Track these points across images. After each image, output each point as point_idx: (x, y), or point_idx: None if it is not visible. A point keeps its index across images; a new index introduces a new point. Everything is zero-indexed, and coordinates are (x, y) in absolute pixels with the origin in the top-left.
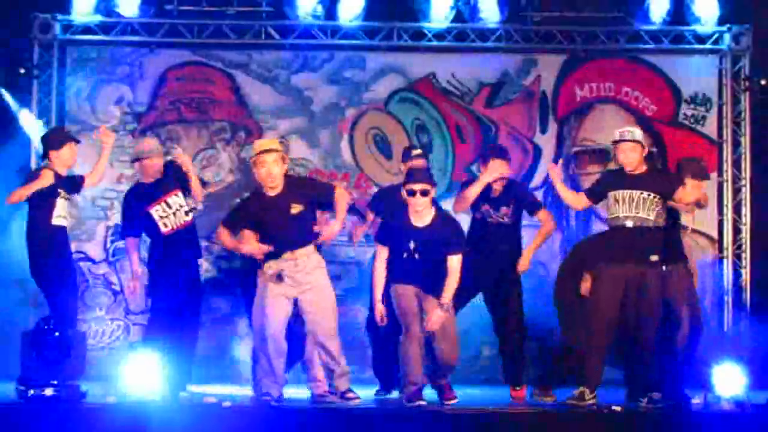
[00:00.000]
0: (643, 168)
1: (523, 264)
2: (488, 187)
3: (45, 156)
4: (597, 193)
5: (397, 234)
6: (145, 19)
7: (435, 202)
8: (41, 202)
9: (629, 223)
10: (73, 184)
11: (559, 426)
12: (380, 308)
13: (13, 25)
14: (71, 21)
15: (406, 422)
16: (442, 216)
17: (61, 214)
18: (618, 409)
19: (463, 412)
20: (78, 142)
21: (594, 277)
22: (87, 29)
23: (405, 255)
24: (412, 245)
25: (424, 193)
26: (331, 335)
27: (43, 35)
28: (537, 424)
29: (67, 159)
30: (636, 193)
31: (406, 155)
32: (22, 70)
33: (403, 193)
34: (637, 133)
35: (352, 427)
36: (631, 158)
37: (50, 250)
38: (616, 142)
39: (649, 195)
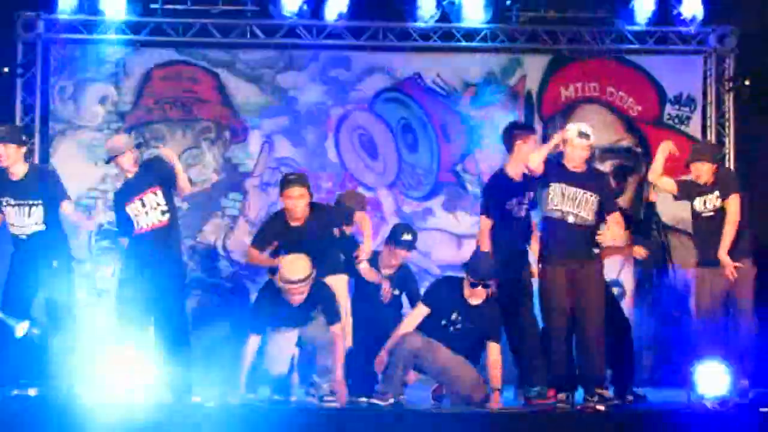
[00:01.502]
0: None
1: None
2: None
3: None
4: None
5: (446, 300)
6: (130, 17)
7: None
8: None
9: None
10: None
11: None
12: (383, 358)
13: None
14: (55, 19)
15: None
16: (490, 302)
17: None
18: (601, 408)
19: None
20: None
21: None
22: (71, 28)
23: (444, 323)
24: (454, 316)
25: (486, 286)
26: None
27: (26, 33)
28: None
29: None
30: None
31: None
32: (6, 69)
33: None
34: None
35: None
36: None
37: None
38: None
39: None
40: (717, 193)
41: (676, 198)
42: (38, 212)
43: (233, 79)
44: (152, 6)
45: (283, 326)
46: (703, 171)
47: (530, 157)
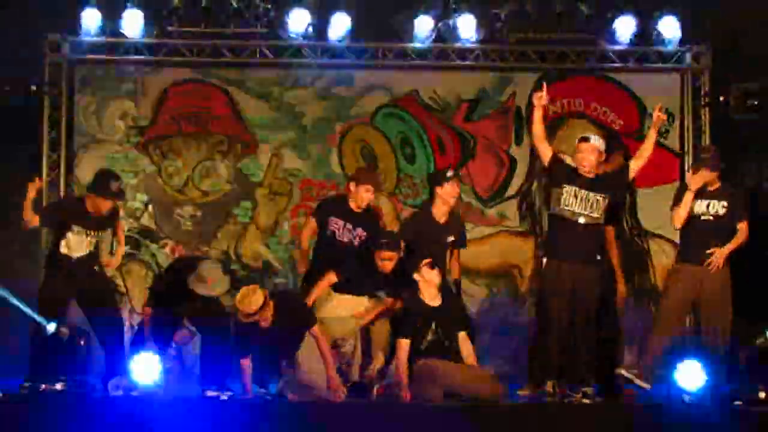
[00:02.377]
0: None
1: None
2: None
3: None
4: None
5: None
6: (148, 39)
7: None
8: None
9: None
10: None
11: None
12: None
13: (25, 44)
14: (79, 41)
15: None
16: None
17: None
18: (587, 401)
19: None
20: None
21: None
22: (94, 49)
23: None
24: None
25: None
26: None
27: (53, 54)
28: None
29: None
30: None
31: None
32: (34, 87)
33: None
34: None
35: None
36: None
37: None
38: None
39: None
40: (725, 203)
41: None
42: None
43: (244, 96)
44: (169, 28)
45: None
46: (710, 178)
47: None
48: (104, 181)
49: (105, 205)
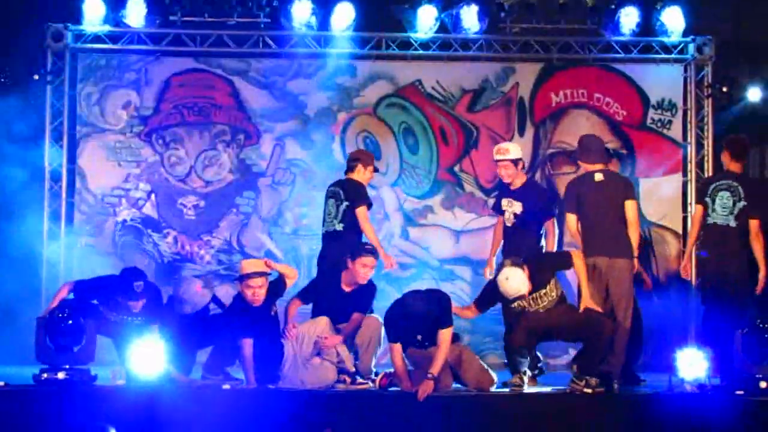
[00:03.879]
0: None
1: None
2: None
3: None
4: None
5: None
6: (151, 29)
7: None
8: None
9: None
10: None
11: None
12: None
13: (29, 34)
14: (82, 30)
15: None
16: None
17: None
18: (589, 391)
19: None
20: None
21: None
22: (97, 38)
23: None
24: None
25: None
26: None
27: (56, 44)
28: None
29: None
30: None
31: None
32: (37, 76)
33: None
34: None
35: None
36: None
37: None
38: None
39: None
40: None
41: None
42: None
43: (247, 86)
44: (172, 18)
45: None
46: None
47: None
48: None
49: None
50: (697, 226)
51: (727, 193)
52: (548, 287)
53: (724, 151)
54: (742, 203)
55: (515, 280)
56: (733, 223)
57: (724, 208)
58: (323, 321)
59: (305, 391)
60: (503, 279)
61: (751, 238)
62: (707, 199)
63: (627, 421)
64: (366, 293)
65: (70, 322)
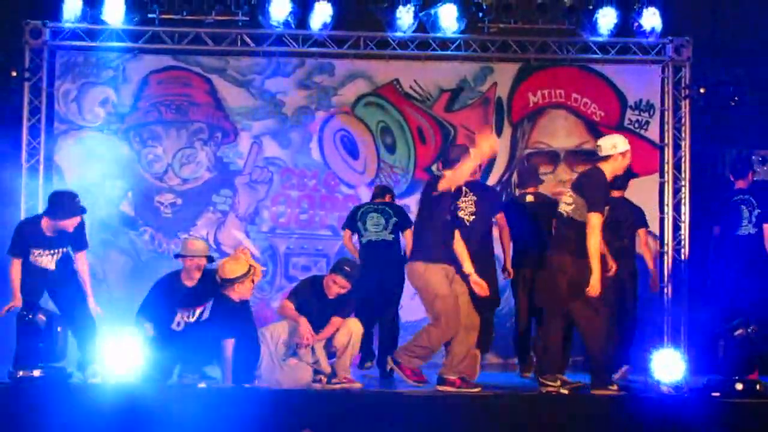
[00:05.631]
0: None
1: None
2: None
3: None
4: None
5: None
6: (129, 26)
7: None
8: None
9: None
10: None
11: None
12: None
13: (6, 30)
14: (60, 27)
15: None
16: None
17: None
18: (565, 392)
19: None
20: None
21: None
22: (75, 35)
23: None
24: None
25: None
26: None
27: (33, 40)
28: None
29: None
30: None
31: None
32: (14, 73)
33: None
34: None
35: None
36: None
37: None
38: None
39: None
40: None
41: None
42: None
43: (225, 84)
44: (150, 16)
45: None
46: None
47: None
48: (61, 204)
49: (67, 224)
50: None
51: None
52: None
53: None
54: None
55: None
56: None
57: None
58: (302, 321)
59: (282, 391)
60: None
61: None
62: None
63: (603, 422)
64: (348, 300)
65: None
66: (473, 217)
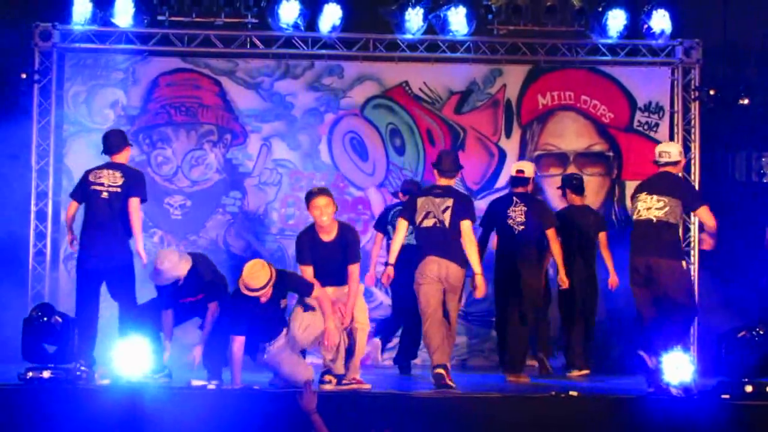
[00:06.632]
0: None
1: None
2: None
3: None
4: None
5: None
6: (139, 28)
7: None
8: None
9: None
10: None
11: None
12: None
13: (16, 33)
14: (70, 30)
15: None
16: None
17: None
18: (575, 394)
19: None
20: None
21: None
22: (84, 37)
23: None
24: None
25: None
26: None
27: (43, 43)
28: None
29: None
30: None
31: None
32: (24, 75)
33: None
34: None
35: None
36: None
37: None
38: None
39: None
40: None
41: None
42: None
43: (234, 86)
44: (159, 18)
45: (260, 323)
46: None
47: None
48: (106, 141)
49: (119, 158)
50: None
51: None
52: None
53: None
54: None
55: None
56: None
57: None
58: (331, 321)
59: (292, 393)
60: None
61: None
62: None
63: (611, 424)
64: (350, 240)
65: (45, 319)
66: (522, 227)
